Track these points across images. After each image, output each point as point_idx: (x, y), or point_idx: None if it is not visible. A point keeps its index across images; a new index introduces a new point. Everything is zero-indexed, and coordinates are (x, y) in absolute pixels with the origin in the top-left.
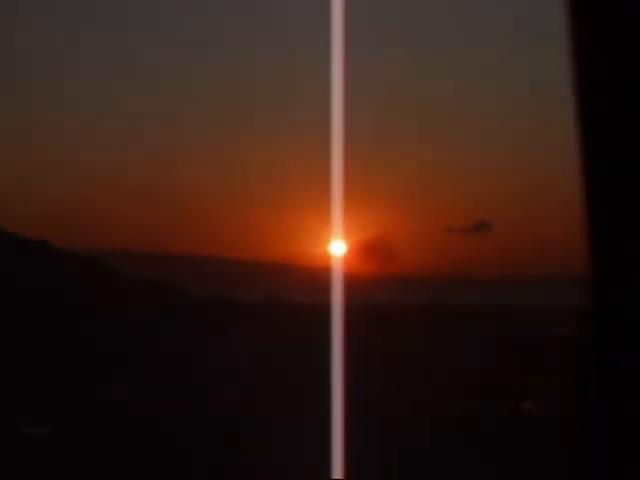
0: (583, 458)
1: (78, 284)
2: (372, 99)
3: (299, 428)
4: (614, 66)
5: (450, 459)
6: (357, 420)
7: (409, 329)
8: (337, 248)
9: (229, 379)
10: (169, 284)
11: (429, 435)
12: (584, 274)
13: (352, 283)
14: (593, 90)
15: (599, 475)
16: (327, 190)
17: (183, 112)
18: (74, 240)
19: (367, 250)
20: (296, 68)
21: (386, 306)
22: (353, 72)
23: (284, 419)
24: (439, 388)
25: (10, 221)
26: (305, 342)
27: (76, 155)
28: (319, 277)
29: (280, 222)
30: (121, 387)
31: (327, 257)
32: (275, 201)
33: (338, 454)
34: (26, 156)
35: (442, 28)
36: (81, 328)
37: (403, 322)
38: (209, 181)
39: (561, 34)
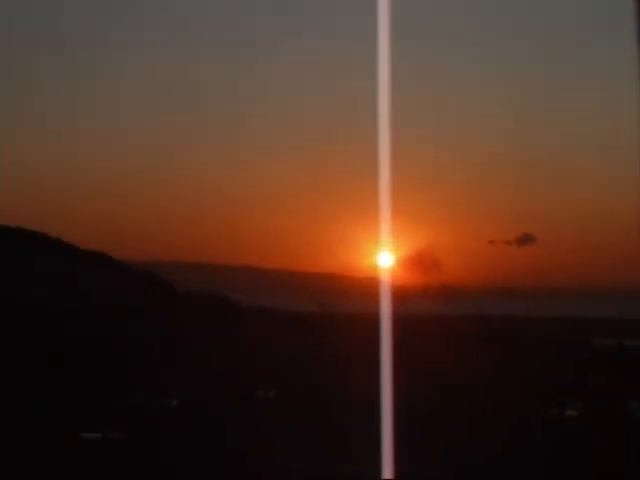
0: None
1: (134, 294)
2: (420, 112)
3: (350, 431)
4: None
5: (494, 465)
6: (404, 426)
7: (455, 339)
8: (385, 260)
9: (280, 385)
10: (220, 294)
11: (475, 440)
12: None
13: (399, 294)
14: None
15: None
16: (375, 202)
17: (229, 126)
18: (129, 252)
19: (414, 262)
20: (343, 79)
21: (432, 316)
22: (401, 86)
23: (336, 422)
24: (484, 396)
25: (68, 233)
26: (354, 351)
27: (124, 170)
28: (368, 288)
29: (330, 234)
30: (173, 393)
31: (375, 268)
32: (324, 213)
33: (388, 456)
34: (76, 173)
35: (495, 35)
36: (134, 338)
37: (448, 332)
38: (258, 194)
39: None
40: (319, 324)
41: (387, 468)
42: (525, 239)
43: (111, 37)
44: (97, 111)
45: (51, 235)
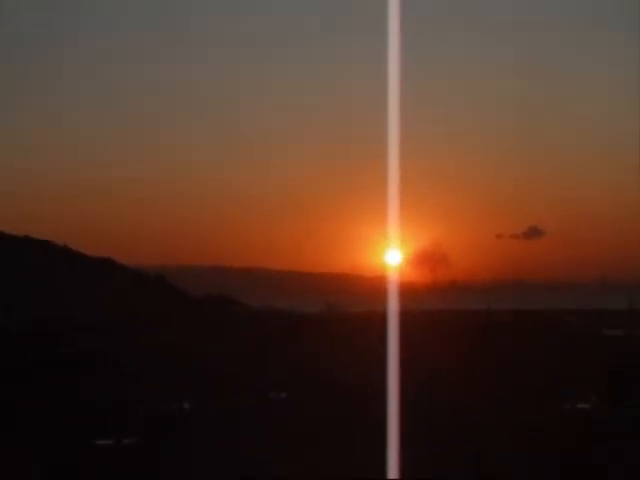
0: None
1: (144, 298)
2: (427, 111)
3: (357, 428)
4: None
5: (501, 459)
6: (411, 421)
7: (463, 333)
8: (393, 258)
9: (291, 384)
10: (230, 297)
11: (483, 435)
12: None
13: (409, 291)
14: None
15: None
16: (382, 201)
17: (237, 129)
18: (139, 257)
19: (422, 259)
20: (353, 80)
21: (441, 312)
22: (409, 85)
23: (344, 419)
24: (493, 390)
25: (77, 241)
26: (362, 349)
27: (138, 180)
28: (376, 286)
29: (337, 234)
30: (185, 397)
31: (384, 267)
32: (332, 214)
33: (394, 454)
34: (82, 178)
35: (509, 34)
36: (146, 342)
37: (458, 327)
38: (266, 196)
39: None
40: (328, 324)
41: (392, 468)
42: (533, 232)
43: (112, 39)
44: (104, 118)
45: (58, 242)
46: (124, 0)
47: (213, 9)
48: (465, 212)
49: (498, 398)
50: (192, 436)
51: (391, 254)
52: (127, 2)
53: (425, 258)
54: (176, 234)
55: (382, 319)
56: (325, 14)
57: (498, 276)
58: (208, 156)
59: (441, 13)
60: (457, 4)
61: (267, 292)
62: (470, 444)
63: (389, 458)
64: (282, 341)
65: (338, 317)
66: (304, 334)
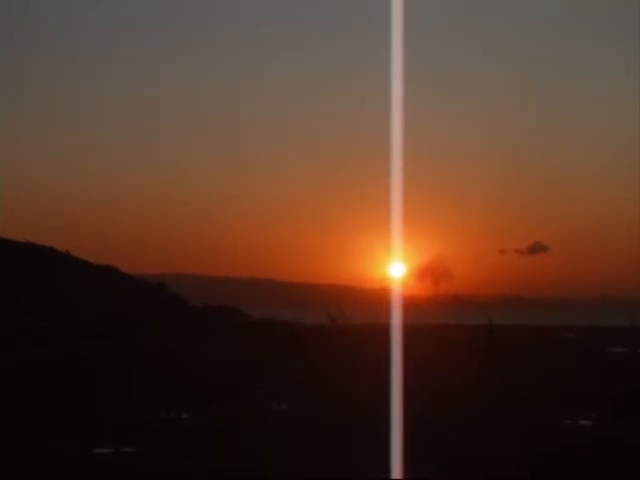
0: None
1: (145, 306)
2: (432, 124)
3: (360, 436)
4: None
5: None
6: (414, 432)
7: (466, 347)
8: (396, 270)
9: (292, 395)
10: (232, 307)
11: (482, 449)
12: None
13: (411, 304)
14: None
15: None
16: (386, 214)
17: (240, 139)
18: (140, 266)
19: (425, 272)
20: (356, 94)
21: (444, 326)
22: (413, 97)
23: (348, 429)
24: (494, 405)
25: (79, 248)
26: (365, 361)
27: (141, 188)
28: (378, 298)
29: (341, 246)
30: (184, 406)
31: (386, 279)
32: (335, 226)
33: (397, 458)
34: (85, 187)
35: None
36: (145, 351)
37: (460, 341)
38: (268, 207)
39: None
40: (331, 335)
41: (396, 468)
42: (537, 248)
43: (116, 46)
44: (106, 126)
45: (60, 249)
46: (123, 10)
47: (213, 18)
48: (469, 227)
49: (498, 413)
50: (191, 445)
51: (394, 267)
52: (126, 12)
53: (428, 272)
54: (178, 243)
55: (384, 331)
56: (327, 25)
57: (501, 291)
58: (212, 166)
59: (444, 24)
60: (459, 18)
61: (269, 302)
62: (470, 458)
63: (392, 460)
64: (284, 352)
65: (340, 329)
66: (306, 345)
